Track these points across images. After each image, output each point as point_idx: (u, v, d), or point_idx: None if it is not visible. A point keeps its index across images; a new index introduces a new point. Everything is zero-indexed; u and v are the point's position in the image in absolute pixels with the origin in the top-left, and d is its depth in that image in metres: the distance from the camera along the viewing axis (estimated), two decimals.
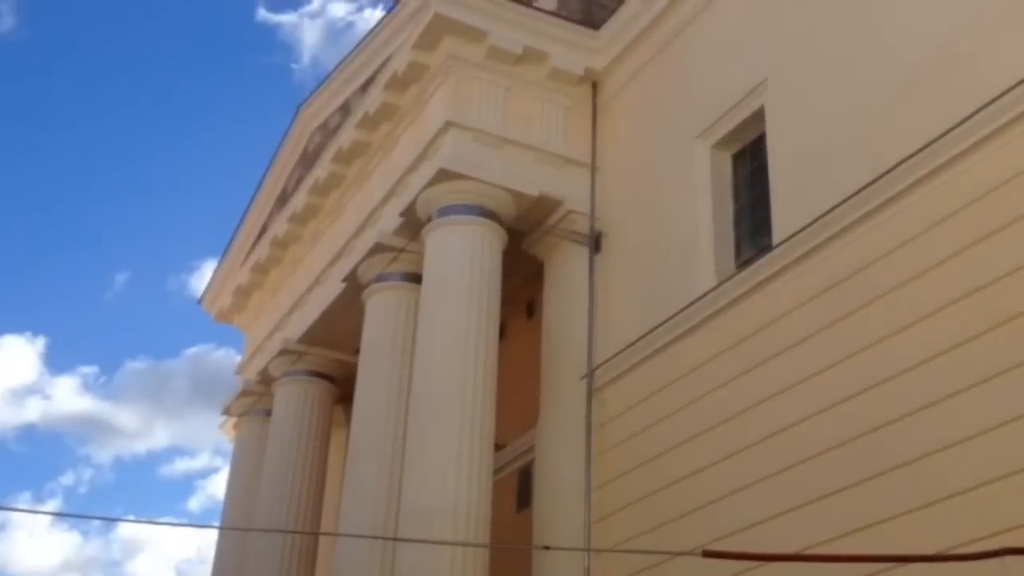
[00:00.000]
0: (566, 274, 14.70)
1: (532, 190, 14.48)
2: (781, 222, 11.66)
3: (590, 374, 13.68)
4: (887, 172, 10.19)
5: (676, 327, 12.61)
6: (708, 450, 11.59)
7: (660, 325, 12.80)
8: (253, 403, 19.75)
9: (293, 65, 58.96)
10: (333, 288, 16.91)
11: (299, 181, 18.84)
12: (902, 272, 9.87)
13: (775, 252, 11.47)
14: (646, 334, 13.01)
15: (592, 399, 13.53)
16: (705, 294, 12.33)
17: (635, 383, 13.11)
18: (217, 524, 20.51)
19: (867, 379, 9.88)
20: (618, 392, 13.37)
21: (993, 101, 9.27)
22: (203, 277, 22.90)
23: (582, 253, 14.57)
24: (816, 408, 10.35)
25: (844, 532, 9.47)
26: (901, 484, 9.18)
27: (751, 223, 12.83)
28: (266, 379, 19.03)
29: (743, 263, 12.47)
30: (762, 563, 9.91)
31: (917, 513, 8.91)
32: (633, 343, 13.19)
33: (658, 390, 12.67)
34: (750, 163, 13.16)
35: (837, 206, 10.69)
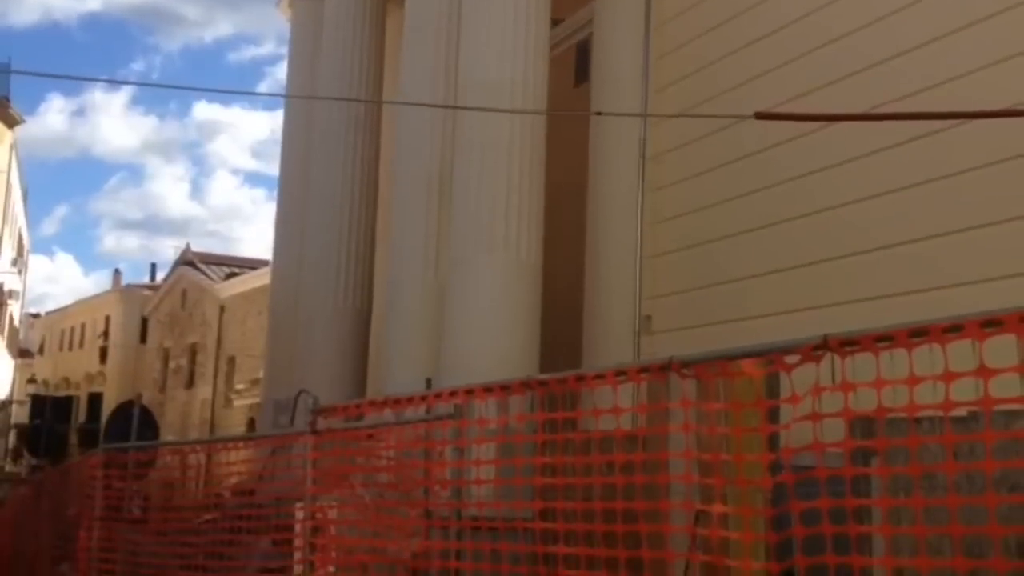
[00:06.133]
0: None
1: None
2: None
3: None
4: None
5: None
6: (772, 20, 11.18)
7: None
8: None
9: None
10: None
11: None
12: None
13: None
14: None
15: None
16: None
17: None
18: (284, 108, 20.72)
19: None
20: None
21: None
22: None
23: None
24: None
25: (907, 94, 9.25)
26: (969, 42, 8.84)
27: None
28: None
29: None
30: (819, 127, 9.86)
31: (986, 71, 8.64)
32: None
33: None
34: None
35: None
